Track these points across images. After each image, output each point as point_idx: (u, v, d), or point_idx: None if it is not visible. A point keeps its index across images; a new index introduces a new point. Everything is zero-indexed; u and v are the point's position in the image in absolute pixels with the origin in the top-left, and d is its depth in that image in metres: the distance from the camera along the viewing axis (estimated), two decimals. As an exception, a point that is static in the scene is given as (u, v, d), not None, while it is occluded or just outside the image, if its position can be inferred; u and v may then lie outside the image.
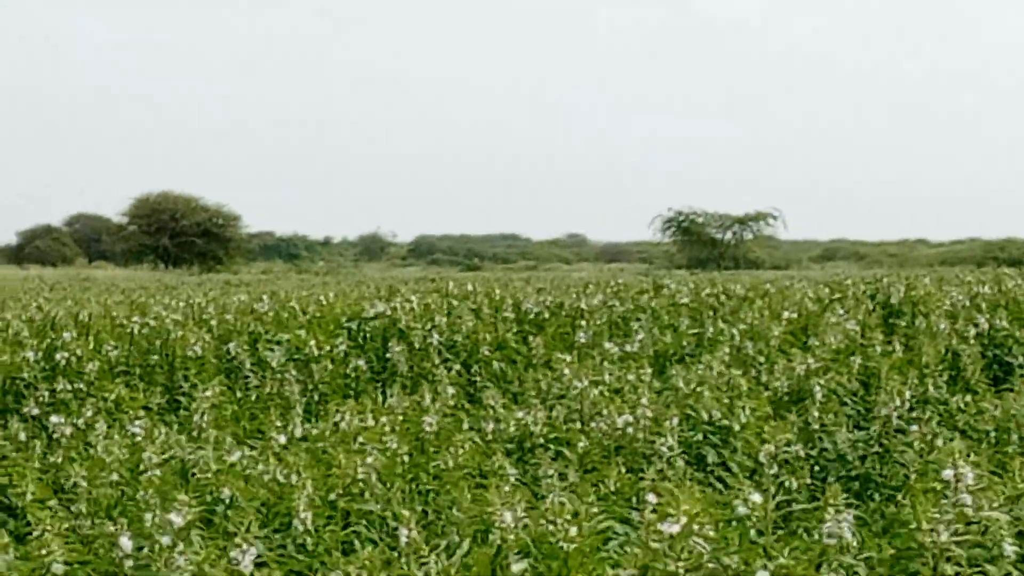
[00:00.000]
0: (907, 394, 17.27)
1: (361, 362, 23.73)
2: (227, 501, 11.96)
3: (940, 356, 21.85)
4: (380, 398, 18.62)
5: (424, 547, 9.25)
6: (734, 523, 9.32)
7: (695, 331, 26.50)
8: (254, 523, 10.94)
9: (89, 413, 17.30)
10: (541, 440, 15.50)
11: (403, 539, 9.96)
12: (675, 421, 15.30)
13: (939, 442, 14.43)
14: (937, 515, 7.70)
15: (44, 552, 9.15)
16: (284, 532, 11.25)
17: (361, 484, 12.76)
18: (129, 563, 8.90)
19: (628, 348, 23.99)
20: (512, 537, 9.72)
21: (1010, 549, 8.02)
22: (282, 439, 14.79)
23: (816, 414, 16.48)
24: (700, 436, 15.47)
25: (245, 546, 8.51)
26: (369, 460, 13.32)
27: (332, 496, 12.19)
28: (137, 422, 15.75)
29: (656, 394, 17.56)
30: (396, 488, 12.94)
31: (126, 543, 9.21)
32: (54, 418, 17.01)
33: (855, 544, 8.67)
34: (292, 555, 10.76)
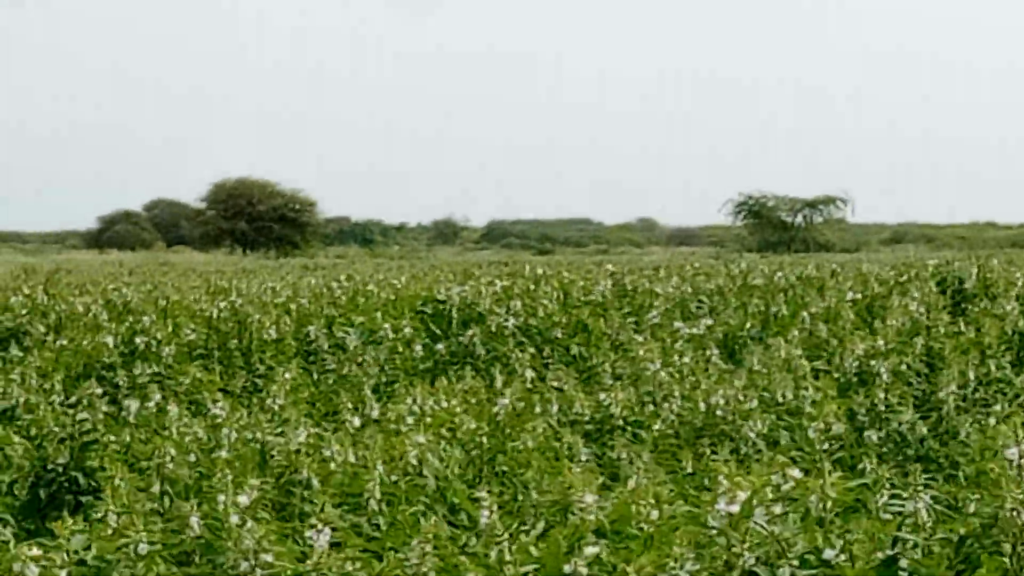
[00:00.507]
0: (971, 375, 17.25)
1: (438, 345, 23.76)
2: (304, 482, 11.97)
3: (1004, 337, 21.76)
4: (455, 380, 18.61)
5: (500, 527, 9.23)
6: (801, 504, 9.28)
7: (764, 313, 26.46)
8: (328, 503, 11.00)
9: (158, 397, 17.40)
10: (620, 422, 15.49)
11: (483, 521, 9.96)
12: (754, 403, 15.31)
13: (992, 421, 14.47)
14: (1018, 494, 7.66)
15: (128, 533, 9.18)
16: (358, 512, 11.25)
17: (435, 466, 12.80)
18: (201, 543, 8.93)
19: (695, 331, 23.94)
20: (591, 518, 9.70)
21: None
22: (356, 421, 14.81)
23: (882, 395, 16.44)
24: (773, 417, 15.40)
25: (321, 526, 8.51)
26: (442, 442, 13.35)
27: (404, 477, 12.18)
28: (217, 404, 15.81)
29: (725, 375, 17.53)
30: (471, 470, 12.95)
31: (196, 523, 9.26)
32: (132, 401, 17.10)
33: (930, 524, 8.62)
34: (366, 535, 10.75)
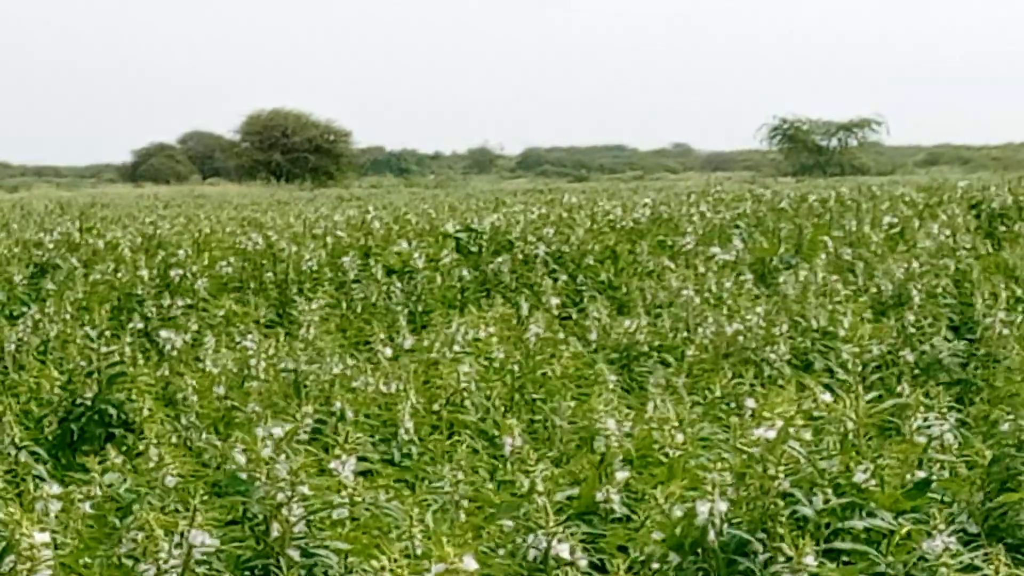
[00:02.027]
0: (1004, 297, 17.21)
1: (465, 272, 23.76)
2: (337, 413, 11.95)
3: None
4: (486, 309, 18.63)
5: (530, 455, 9.20)
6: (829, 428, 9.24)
7: (797, 238, 26.42)
8: (354, 433, 10.97)
9: (195, 328, 17.43)
10: (645, 348, 15.50)
11: (508, 448, 9.97)
12: (784, 328, 15.31)
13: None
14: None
15: (157, 465, 9.19)
16: (389, 441, 11.24)
17: (464, 394, 12.79)
18: (232, 474, 8.91)
19: (728, 257, 23.93)
20: (616, 444, 9.70)
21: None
22: (388, 351, 14.80)
23: (912, 318, 16.40)
24: (808, 343, 15.39)
25: (344, 456, 8.49)
26: (472, 371, 13.35)
27: (436, 406, 12.17)
28: (248, 336, 15.81)
29: (758, 299, 17.53)
30: (498, 397, 12.95)
31: (240, 457, 9.23)
32: (164, 333, 17.13)
33: (955, 446, 8.60)
34: (397, 463, 10.75)
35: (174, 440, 10.99)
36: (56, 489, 8.64)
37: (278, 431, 9.26)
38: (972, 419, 10.51)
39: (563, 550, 6.94)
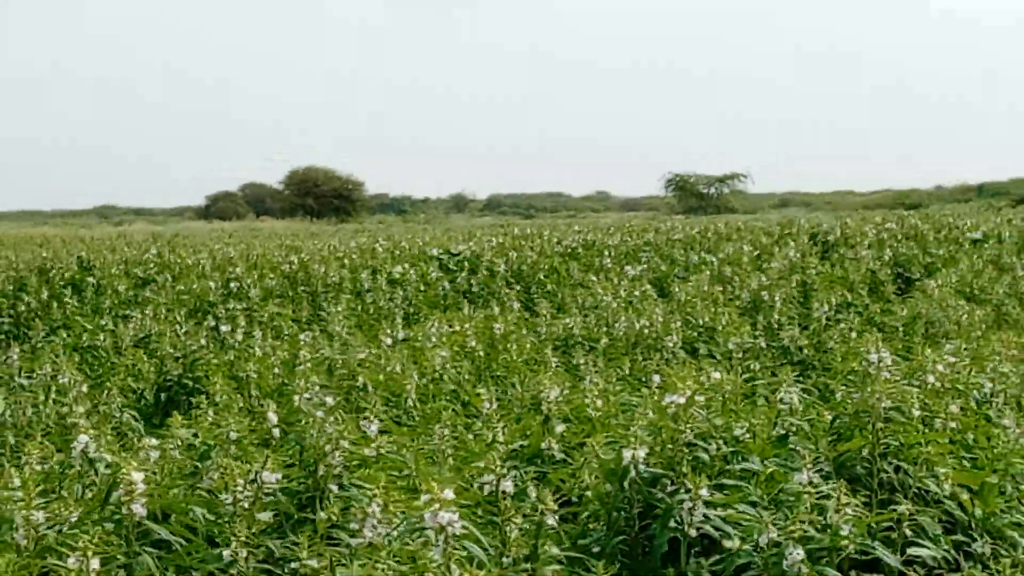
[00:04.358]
0: (834, 301, 17.39)
1: (446, 284, 23.83)
2: (361, 387, 11.97)
3: (863, 275, 21.91)
4: (460, 311, 18.72)
5: (495, 416, 9.24)
6: (715, 396, 9.26)
7: (685, 259, 26.58)
8: (379, 402, 10.95)
9: (243, 324, 17.40)
10: (578, 339, 15.57)
11: (484, 410, 9.99)
12: (677, 324, 15.36)
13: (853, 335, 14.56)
14: (876, 389, 7.62)
15: (224, 424, 9.15)
16: (395, 407, 11.24)
17: (442, 371, 12.86)
18: (276, 431, 8.92)
19: (636, 273, 24.06)
20: (556, 408, 9.72)
21: (917, 412, 7.94)
22: (388, 341, 14.88)
23: (776, 316, 16.50)
24: (695, 334, 15.44)
25: (372, 418, 8.51)
26: (448, 355, 13.44)
27: (432, 383, 12.19)
28: (286, 331, 15.84)
29: (658, 304, 17.60)
30: (468, 373, 13.01)
31: (272, 417, 9.23)
32: (227, 328, 17.12)
33: (801, 409, 8.62)
34: (403, 423, 10.76)
35: (238, 406, 10.93)
36: (153, 441, 8.61)
37: (330, 399, 9.30)
38: (812, 389, 10.50)
39: (507, 487, 6.93)
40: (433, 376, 12.69)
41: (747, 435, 8.17)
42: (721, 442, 7.91)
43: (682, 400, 7.72)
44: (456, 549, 5.73)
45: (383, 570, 5.36)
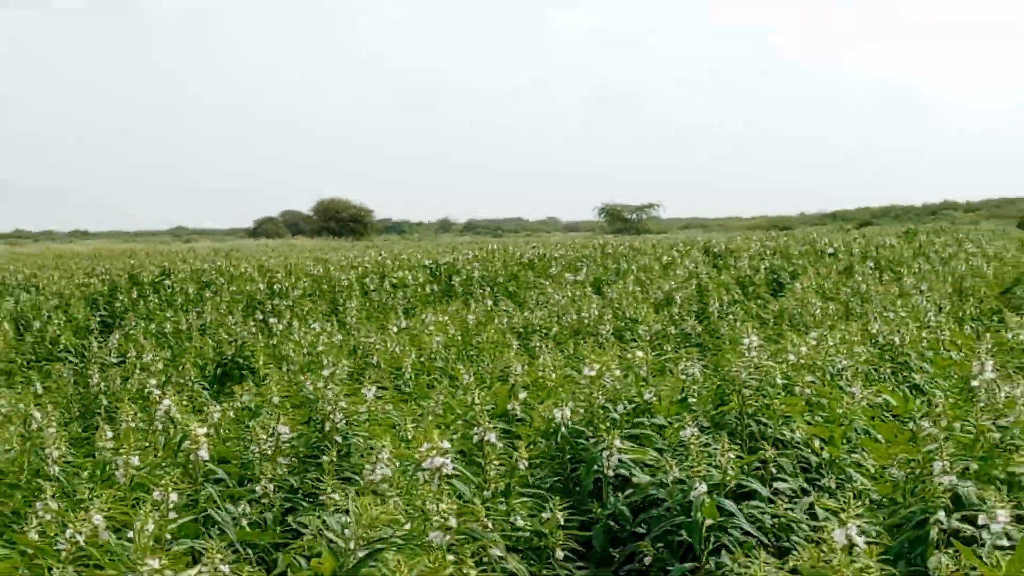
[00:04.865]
0: (724, 299, 17.46)
1: (435, 287, 23.86)
2: (374, 363, 11.99)
3: (744, 279, 22.00)
4: (445, 305, 18.76)
5: (472, 385, 9.26)
6: (631, 370, 9.32)
7: (614, 267, 26.63)
8: (379, 374, 10.96)
9: (288, 316, 17.39)
10: (535, 327, 15.59)
11: (464, 381, 10.02)
12: (609, 316, 15.40)
13: (738, 324, 14.65)
14: (741, 364, 7.69)
15: (267, 392, 9.17)
16: (397, 379, 11.25)
17: (435, 353, 12.86)
18: (310, 396, 8.93)
19: (578, 278, 24.07)
20: (518, 379, 9.75)
21: (779, 379, 8.02)
22: (394, 329, 14.85)
23: (678, 310, 16.57)
24: (622, 324, 15.49)
25: (370, 386, 8.52)
26: (439, 339, 13.43)
27: (421, 359, 12.20)
28: (316, 323, 15.82)
29: (594, 301, 17.64)
30: (453, 354, 13.01)
31: (309, 386, 9.22)
32: (271, 320, 17.13)
33: (700, 379, 8.68)
34: (403, 391, 10.77)
35: (278, 379, 10.92)
36: (216, 406, 8.64)
37: (341, 372, 9.35)
38: (706, 365, 10.57)
39: (491, 437, 6.96)
40: (426, 356, 12.71)
41: (654, 399, 8.26)
42: (629, 404, 8.00)
43: (593, 372, 7.81)
44: (447, 486, 5.79)
45: (393, 500, 5.41)
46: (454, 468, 5.85)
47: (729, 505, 6.26)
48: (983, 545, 5.22)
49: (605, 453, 6.91)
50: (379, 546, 4.69)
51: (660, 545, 6.36)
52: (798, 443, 7.27)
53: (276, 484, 7.05)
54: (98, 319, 19.89)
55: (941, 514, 5.63)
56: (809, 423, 7.48)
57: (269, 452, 7.25)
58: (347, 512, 5.05)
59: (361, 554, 4.67)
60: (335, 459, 7.21)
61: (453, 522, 5.42)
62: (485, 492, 6.60)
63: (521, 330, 15.47)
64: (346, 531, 4.81)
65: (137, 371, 12.09)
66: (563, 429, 7.40)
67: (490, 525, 5.61)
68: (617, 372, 8.14)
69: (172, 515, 5.70)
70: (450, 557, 4.90)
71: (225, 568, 4.84)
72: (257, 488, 6.99)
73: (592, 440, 7.24)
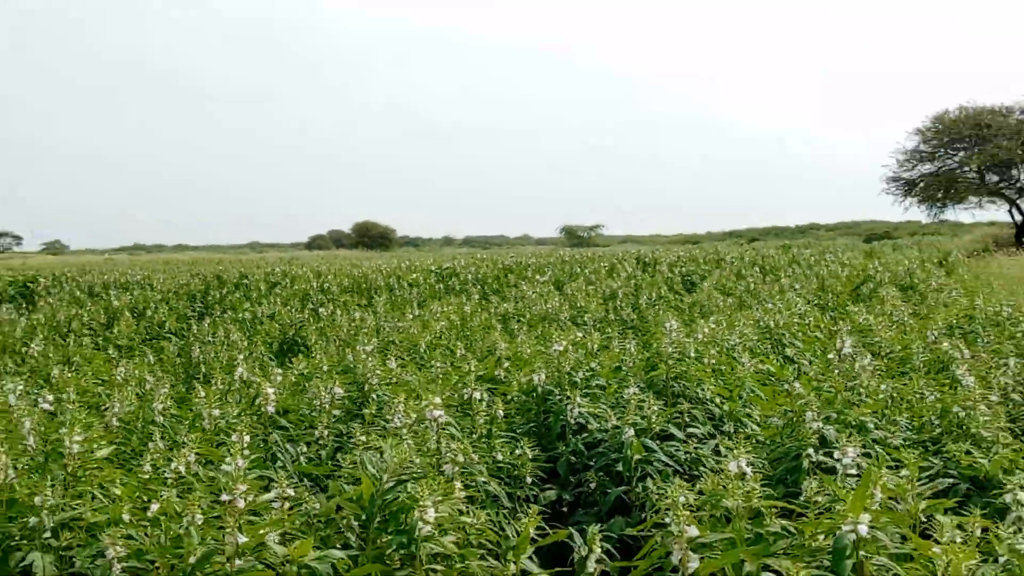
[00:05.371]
0: (652, 295, 17.44)
1: (440, 285, 23.78)
2: (395, 341, 11.90)
3: (667, 280, 22.00)
4: (448, 299, 18.70)
5: (467, 357, 9.21)
6: (584, 346, 9.28)
7: (570, 271, 26.60)
8: (403, 350, 10.88)
9: (332, 307, 17.30)
10: (513, 315, 15.54)
11: (459, 354, 9.94)
12: (567, 307, 15.37)
13: (662, 313, 14.63)
14: (665, 341, 7.67)
15: (318, 362, 9.11)
16: (414, 353, 11.18)
17: (440, 334, 12.80)
18: (351, 365, 8.88)
19: (544, 279, 24.03)
20: (502, 353, 9.71)
21: (692, 352, 8.00)
22: (410, 316, 14.79)
23: (618, 303, 16.53)
24: (576, 313, 15.46)
25: (394, 360, 8.47)
26: (443, 324, 13.36)
27: (430, 338, 12.15)
28: (356, 312, 15.74)
29: (555, 296, 17.61)
30: (454, 335, 12.96)
31: (351, 357, 9.17)
32: (321, 310, 17.03)
33: (635, 353, 8.66)
34: (418, 362, 10.70)
35: (327, 353, 10.87)
36: (279, 372, 8.58)
37: (369, 347, 9.27)
38: (639, 343, 10.56)
39: (477, 395, 6.94)
40: (433, 336, 12.65)
41: (599, 367, 8.23)
42: (585, 371, 7.97)
43: (560, 348, 7.77)
44: (443, 431, 5.76)
45: (406, 442, 5.38)
46: (447, 417, 5.82)
47: (652, 444, 6.24)
48: (839, 473, 5.22)
49: (569, 407, 6.89)
50: (403, 477, 4.66)
51: (602, 474, 6.35)
52: (706, 399, 7.25)
53: (329, 430, 7.00)
54: (194, 309, 19.77)
55: (811, 450, 5.63)
56: (714, 385, 7.47)
57: (327, 406, 7.21)
58: (380, 452, 5.01)
59: (390, 484, 4.63)
60: (373, 411, 7.17)
61: (461, 458, 5.39)
62: (473, 435, 6.57)
63: (503, 317, 15.44)
64: (380, 465, 4.77)
65: (223, 347, 12.02)
66: (539, 388, 7.37)
67: (476, 458, 5.58)
68: (572, 349, 8.10)
69: (246, 453, 5.67)
70: (457, 484, 4.87)
71: (291, 491, 4.82)
72: (316, 432, 6.95)
73: (559, 397, 7.22)
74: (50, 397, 7.14)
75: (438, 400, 5.73)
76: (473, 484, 5.44)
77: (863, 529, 3.79)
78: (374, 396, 7.69)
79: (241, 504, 4.29)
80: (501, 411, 6.91)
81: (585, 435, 6.75)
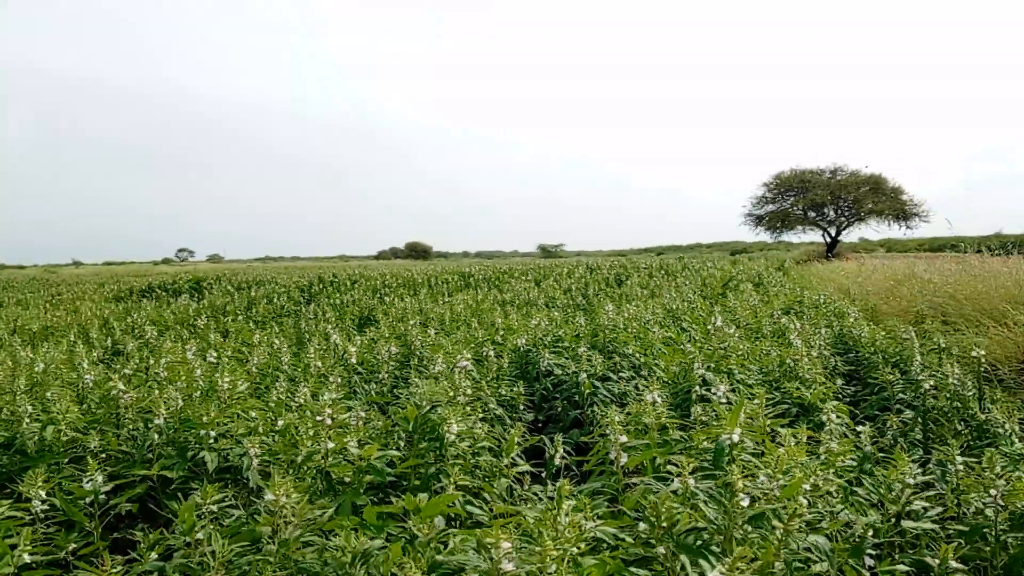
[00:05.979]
0: (596, 288, 17.29)
1: (461, 282, 23.62)
2: (432, 318, 11.70)
3: (604, 279, 21.88)
4: (464, 293, 18.56)
5: (478, 330, 9.07)
6: (554, 320, 9.19)
7: (543, 274, 26.39)
8: (432, 328, 10.72)
9: (392, 296, 17.11)
10: (508, 302, 15.40)
11: (473, 326, 9.79)
12: (543, 296, 15.24)
13: (602, 298, 14.53)
14: (604, 318, 7.61)
15: (380, 336, 8.99)
16: (443, 325, 11.00)
17: (459, 315, 12.64)
18: (403, 334, 8.71)
19: (527, 279, 23.87)
20: (501, 325, 9.61)
21: (622, 325, 7.92)
22: (441, 302, 14.63)
23: (574, 293, 16.35)
24: (549, 301, 15.33)
25: (432, 329, 8.30)
26: (462, 307, 13.22)
27: (449, 318, 12.01)
28: (407, 299, 15.57)
29: (534, 289, 17.51)
30: (470, 314, 12.86)
31: (403, 328, 9.03)
32: (385, 298, 16.85)
33: (584, 324, 8.59)
34: (448, 332, 10.55)
35: (389, 326, 10.75)
36: (359, 337, 8.44)
37: (413, 327, 9.13)
38: (588, 319, 10.48)
39: (490, 353, 6.88)
40: (456, 315, 12.46)
41: (563, 334, 8.17)
42: (553, 336, 7.91)
43: (536, 322, 7.71)
44: (468, 375, 5.72)
45: (442, 384, 5.34)
46: (471, 366, 5.76)
47: (597, 384, 6.23)
48: (713, 402, 5.21)
49: (542, 360, 6.86)
50: (436, 405, 4.64)
51: (565, 402, 6.32)
52: (630, 355, 7.23)
53: (389, 375, 6.93)
54: (304, 298, 19.60)
55: (697, 387, 5.62)
56: (635, 345, 7.44)
57: (388, 360, 7.15)
58: (420, 389, 4.98)
59: (427, 408, 4.61)
60: (417, 363, 7.10)
61: (470, 391, 5.36)
62: (487, 378, 6.54)
63: (502, 303, 15.33)
64: (421, 396, 4.75)
65: (322, 322, 11.94)
66: (522, 348, 7.33)
67: (488, 392, 5.55)
68: (545, 322, 8.03)
69: (337, 389, 5.62)
70: (467, 409, 4.85)
71: (363, 413, 4.79)
72: (380, 375, 6.88)
73: (536, 354, 7.19)
74: (214, 353, 7.08)
75: (467, 353, 5.69)
76: (487, 410, 5.41)
77: (735, 437, 3.79)
78: (417, 353, 7.64)
79: (329, 422, 4.27)
80: (505, 363, 6.87)
81: (552, 378, 6.73)
